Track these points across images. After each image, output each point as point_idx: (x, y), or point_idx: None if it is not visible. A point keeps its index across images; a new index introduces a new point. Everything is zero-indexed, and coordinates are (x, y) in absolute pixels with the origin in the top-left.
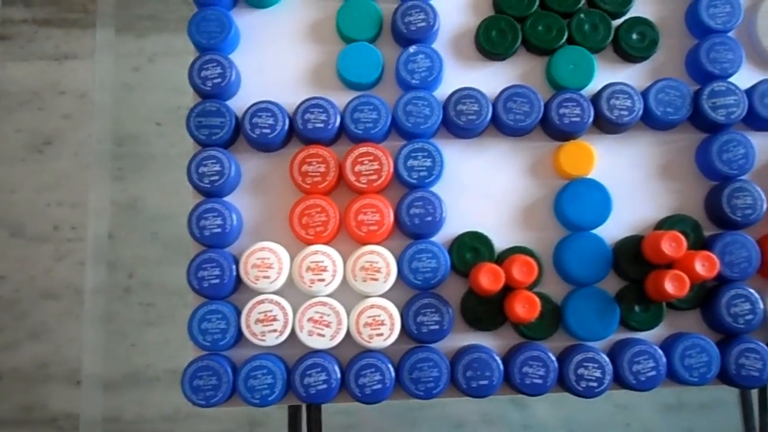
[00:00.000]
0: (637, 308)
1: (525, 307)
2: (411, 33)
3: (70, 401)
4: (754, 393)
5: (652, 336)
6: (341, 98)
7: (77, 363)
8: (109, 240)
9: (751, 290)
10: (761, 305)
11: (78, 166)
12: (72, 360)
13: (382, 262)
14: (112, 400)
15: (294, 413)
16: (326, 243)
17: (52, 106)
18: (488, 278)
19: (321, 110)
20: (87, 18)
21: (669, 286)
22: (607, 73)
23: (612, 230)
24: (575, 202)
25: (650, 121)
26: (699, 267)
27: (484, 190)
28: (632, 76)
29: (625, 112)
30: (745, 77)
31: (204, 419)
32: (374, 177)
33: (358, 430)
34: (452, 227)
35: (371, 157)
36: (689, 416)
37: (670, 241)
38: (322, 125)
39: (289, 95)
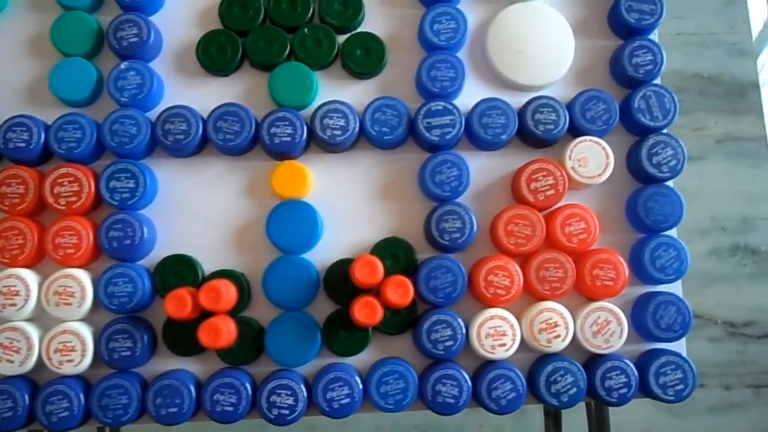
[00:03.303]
0: (342, 333)
1: (209, 335)
2: (123, 49)
3: None
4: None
5: (362, 361)
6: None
7: None
8: None
9: (456, 316)
10: (463, 331)
11: None
12: None
13: (76, 287)
14: None
15: None
16: (27, 266)
17: None
18: (173, 305)
19: (24, 129)
20: None
21: (358, 314)
22: (333, 90)
23: (328, 252)
24: (283, 225)
25: (369, 139)
26: (391, 294)
27: (200, 211)
28: (359, 92)
29: (339, 132)
30: (479, 95)
31: None
32: (74, 199)
33: None
34: (165, 249)
35: (71, 179)
36: (541, 419)
37: (363, 267)
38: (24, 145)
39: (2, 112)
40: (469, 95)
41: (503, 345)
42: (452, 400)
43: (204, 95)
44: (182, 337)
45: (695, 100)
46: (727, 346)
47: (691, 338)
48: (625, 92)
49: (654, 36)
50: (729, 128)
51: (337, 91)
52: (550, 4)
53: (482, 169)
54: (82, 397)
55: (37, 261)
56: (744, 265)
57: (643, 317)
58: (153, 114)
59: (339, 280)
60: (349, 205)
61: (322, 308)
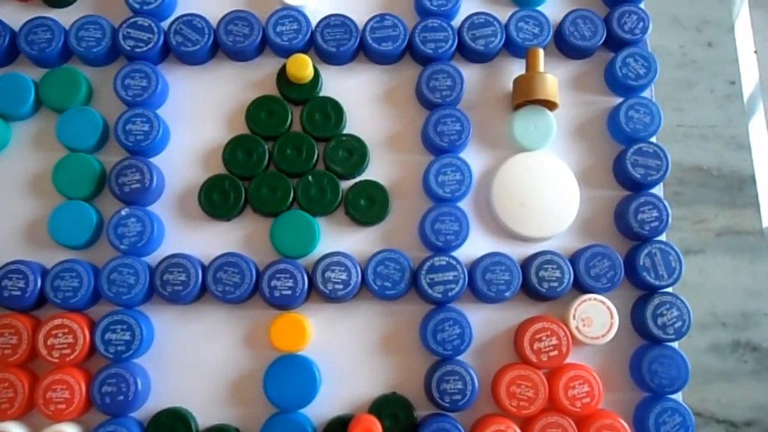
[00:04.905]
0: None
1: None
2: (125, 195)
3: None
4: None
5: None
6: (57, 258)
7: None
8: None
9: None
10: None
11: None
12: None
13: None
14: None
15: None
16: (17, 418)
17: None
18: None
19: (20, 276)
20: None
21: None
22: (336, 237)
23: (326, 407)
24: (280, 382)
25: (371, 292)
26: None
27: (197, 361)
28: (362, 240)
29: (340, 286)
30: (483, 245)
31: None
32: (68, 351)
33: None
34: (159, 399)
35: (66, 330)
36: None
37: None
38: (19, 293)
39: (3, 254)
40: (474, 244)
41: None
42: None
43: (205, 239)
44: None
45: (696, 192)
46: None
47: None
48: (630, 244)
49: (659, 190)
50: (729, 221)
51: (340, 238)
52: (555, 153)
53: (484, 322)
54: None
55: (27, 412)
56: (745, 361)
57: None
58: (153, 258)
59: None
60: (349, 358)
61: None
